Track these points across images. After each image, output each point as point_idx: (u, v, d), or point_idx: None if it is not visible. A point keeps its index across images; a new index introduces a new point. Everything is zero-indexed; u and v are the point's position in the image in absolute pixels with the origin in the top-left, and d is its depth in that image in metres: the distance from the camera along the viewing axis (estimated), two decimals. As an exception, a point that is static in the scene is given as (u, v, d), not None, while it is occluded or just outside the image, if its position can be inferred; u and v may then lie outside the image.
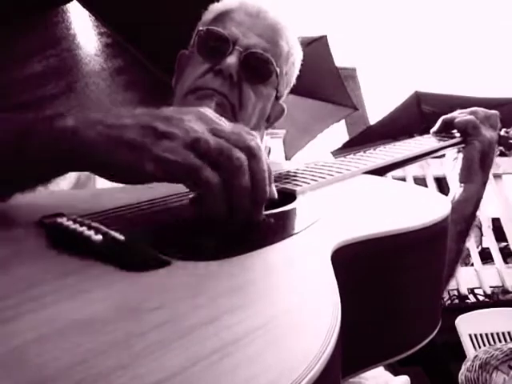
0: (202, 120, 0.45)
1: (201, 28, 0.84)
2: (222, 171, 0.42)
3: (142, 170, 0.42)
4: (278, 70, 0.83)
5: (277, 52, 0.83)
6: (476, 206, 0.90)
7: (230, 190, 0.42)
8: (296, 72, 0.92)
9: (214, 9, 0.87)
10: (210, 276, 0.36)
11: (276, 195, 0.47)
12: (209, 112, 0.47)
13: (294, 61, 0.89)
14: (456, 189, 0.91)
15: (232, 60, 0.77)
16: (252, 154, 0.44)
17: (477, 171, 0.90)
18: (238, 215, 0.44)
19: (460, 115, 0.92)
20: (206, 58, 0.81)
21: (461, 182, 0.90)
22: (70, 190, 0.68)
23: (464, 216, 0.88)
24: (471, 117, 0.90)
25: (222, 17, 0.84)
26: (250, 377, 0.24)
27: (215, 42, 0.81)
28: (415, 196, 0.56)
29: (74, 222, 0.43)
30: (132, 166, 0.42)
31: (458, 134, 0.90)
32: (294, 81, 0.93)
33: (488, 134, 0.90)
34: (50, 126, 0.44)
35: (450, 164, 0.94)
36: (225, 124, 0.46)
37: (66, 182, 0.67)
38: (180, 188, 0.46)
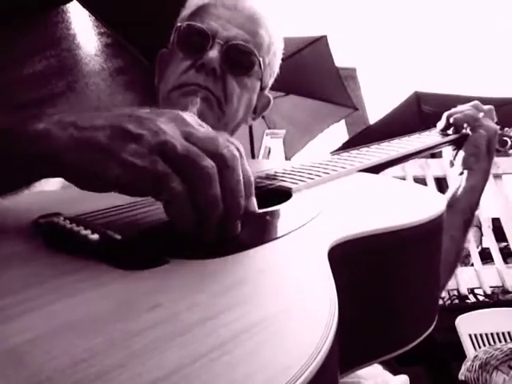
0: (176, 122, 0.42)
1: (179, 24, 0.83)
2: (188, 179, 0.39)
3: (106, 174, 0.39)
4: (260, 60, 0.82)
5: (258, 42, 0.82)
6: (480, 195, 0.91)
7: (196, 202, 0.39)
8: (278, 61, 0.91)
9: (192, 4, 0.86)
10: (207, 274, 0.36)
11: (256, 210, 0.43)
12: (188, 115, 0.44)
13: (275, 50, 0.88)
14: (460, 177, 0.91)
15: (213, 54, 0.77)
16: (224, 162, 0.40)
17: (483, 158, 0.91)
18: (208, 228, 0.40)
19: (460, 109, 0.93)
20: (187, 54, 0.81)
21: (467, 168, 0.91)
22: (64, 189, 0.68)
23: (470, 205, 0.89)
24: (469, 111, 0.91)
25: (200, 11, 0.83)
26: (249, 374, 0.24)
27: (195, 36, 0.80)
28: (410, 193, 0.56)
29: (71, 221, 0.42)
30: (97, 170, 0.39)
31: (450, 132, 0.92)
32: (277, 70, 0.92)
33: (491, 123, 0.92)
34: (23, 129, 0.42)
35: (451, 155, 0.95)
36: (202, 129, 0.43)
37: (49, 186, 0.66)
38: None
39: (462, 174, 0.92)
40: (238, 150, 0.43)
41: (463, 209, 0.88)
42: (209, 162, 0.39)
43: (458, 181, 0.92)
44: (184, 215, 0.39)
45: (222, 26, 0.79)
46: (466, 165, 0.91)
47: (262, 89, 0.88)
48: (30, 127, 0.41)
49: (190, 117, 0.44)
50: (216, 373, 0.24)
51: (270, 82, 0.91)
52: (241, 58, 0.81)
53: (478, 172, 0.90)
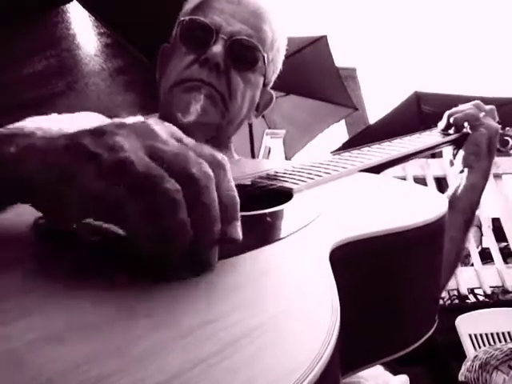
0: (140, 134, 0.36)
1: (182, 18, 0.82)
2: (147, 203, 0.33)
3: (63, 201, 0.35)
4: (264, 55, 0.82)
5: (261, 38, 0.81)
6: (481, 194, 0.91)
7: (159, 229, 0.33)
8: (282, 57, 0.91)
9: None
10: (208, 276, 0.35)
11: (240, 236, 0.36)
12: (162, 127, 0.38)
13: (279, 46, 0.87)
14: (460, 176, 0.91)
15: (217, 49, 0.76)
16: (193, 183, 0.33)
17: (484, 156, 0.90)
18: (174, 256, 0.34)
19: (461, 108, 0.93)
20: (190, 49, 0.79)
21: (468, 167, 0.90)
22: None
23: (471, 204, 0.89)
24: (470, 110, 0.91)
25: (203, 6, 0.82)
26: (250, 379, 0.24)
27: (198, 31, 0.79)
28: (412, 194, 0.56)
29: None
30: (53, 195, 0.35)
31: (451, 132, 0.91)
32: (280, 67, 0.91)
33: (493, 122, 0.92)
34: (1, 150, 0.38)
35: (452, 153, 0.95)
36: (178, 142, 0.36)
37: None
38: None
39: (462, 172, 0.91)
40: (219, 165, 0.36)
41: (464, 208, 0.88)
42: (172, 184, 0.33)
43: (458, 180, 0.91)
44: (148, 246, 0.34)
45: (226, 21, 0.78)
46: (466, 163, 0.91)
47: (264, 85, 0.87)
48: (3, 151, 0.37)
49: (164, 127, 0.38)
50: (216, 378, 0.24)
51: (273, 78, 0.91)
52: (245, 53, 0.80)
53: (479, 170, 0.90)
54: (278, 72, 0.92)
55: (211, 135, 0.80)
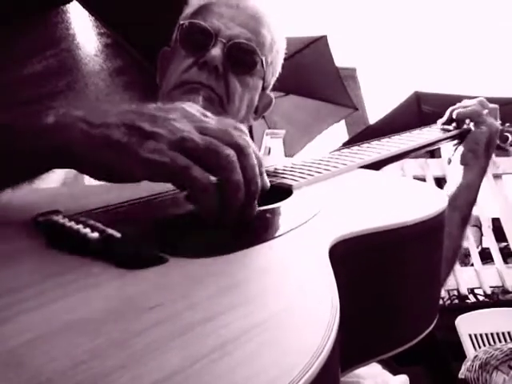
0: (188, 118, 0.44)
1: (182, 22, 0.83)
2: (213, 169, 0.42)
3: (129, 171, 0.42)
4: (263, 58, 0.82)
5: (260, 41, 0.82)
6: (477, 192, 0.91)
7: (223, 187, 0.42)
8: (281, 60, 0.91)
9: (194, 2, 0.86)
10: (207, 273, 0.35)
11: (268, 185, 0.47)
12: (194, 108, 0.46)
13: (278, 49, 0.88)
14: (456, 174, 0.91)
15: (216, 52, 0.77)
16: (240, 149, 0.43)
17: (482, 155, 0.91)
18: (232, 211, 0.43)
19: (466, 103, 0.94)
20: (190, 52, 0.80)
21: (464, 164, 0.91)
22: (62, 187, 0.68)
23: (468, 202, 0.89)
24: (474, 106, 0.92)
25: (202, 10, 0.83)
26: (250, 375, 0.24)
27: (197, 35, 0.80)
28: (411, 190, 0.56)
29: (70, 219, 0.42)
30: (119, 167, 0.41)
31: (451, 128, 0.91)
32: (279, 70, 0.92)
33: (494, 121, 0.92)
34: (30, 123, 0.43)
35: (451, 149, 0.95)
36: (211, 119, 0.45)
37: (50, 181, 0.65)
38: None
39: (459, 170, 0.91)
40: (245, 133, 0.46)
41: (461, 206, 0.88)
42: (230, 151, 0.42)
43: (454, 178, 0.92)
44: (212, 202, 0.42)
45: (225, 25, 0.79)
46: (463, 160, 0.91)
47: (263, 88, 0.88)
48: (37, 121, 0.42)
49: (194, 108, 0.46)
50: (217, 374, 0.24)
51: (272, 81, 0.91)
52: (243, 57, 0.80)
53: (475, 168, 0.91)
54: (277, 75, 0.92)
55: None
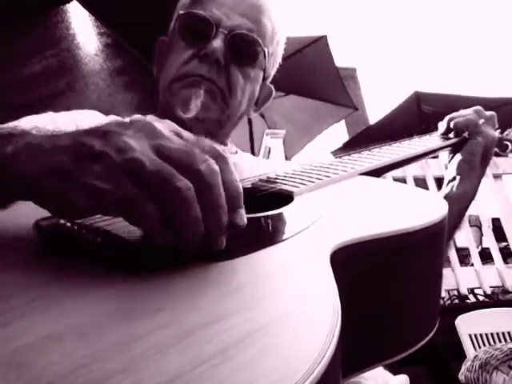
0: (146, 134, 0.37)
1: (181, 12, 0.80)
2: (161, 202, 0.34)
3: (69, 200, 0.35)
4: (265, 50, 0.80)
5: (262, 31, 0.80)
6: (470, 202, 0.90)
7: (173, 225, 0.35)
8: (281, 51, 0.89)
9: None
10: (209, 278, 0.35)
11: (245, 222, 0.39)
12: (164, 125, 0.39)
13: (279, 40, 0.86)
14: (451, 182, 0.91)
15: (217, 43, 0.75)
16: (202, 180, 0.35)
17: (477, 166, 0.89)
18: (187, 250, 0.36)
19: (463, 113, 0.92)
20: (189, 43, 0.78)
21: (459, 175, 0.89)
22: None
23: (459, 211, 0.88)
24: (471, 116, 0.90)
25: None
26: (251, 380, 0.24)
27: (197, 25, 0.77)
28: (412, 197, 0.56)
29: (73, 223, 0.42)
30: (58, 196, 0.36)
31: (451, 136, 0.91)
32: (279, 60, 0.90)
33: (491, 131, 0.91)
34: None
35: (447, 158, 0.94)
36: (180, 139, 0.38)
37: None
38: None
39: (453, 179, 0.90)
40: (220, 158, 0.38)
41: (452, 215, 0.86)
42: (183, 183, 0.34)
43: (448, 188, 0.90)
44: (163, 239, 0.36)
45: (226, 15, 0.77)
46: (458, 171, 0.90)
47: (264, 79, 0.86)
48: (1, 150, 0.38)
49: (166, 125, 0.39)
50: (218, 379, 0.24)
51: (273, 72, 0.89)
52: (245, 48, 0.78)
53: (470, 180, 0.89)
54: (277, 66, 0.90)
55: (211, 130, 0.79)
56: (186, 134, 0.39)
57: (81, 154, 0.35)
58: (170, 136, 0.37)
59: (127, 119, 0.40)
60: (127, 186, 0.34)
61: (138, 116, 0.42)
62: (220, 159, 0.38)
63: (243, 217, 0.39)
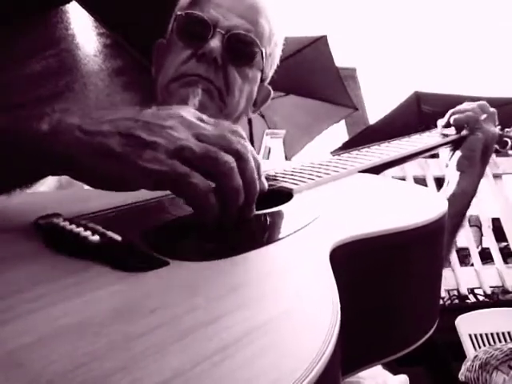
0: (184, 125, 0.44)
1: (179, 13, 0.81)
2: (212, 176, 0.42)
3: (128, 181, 0.42)
4: (262, 50, 0.81)
5: (259, 32, 0.80)
6: (471, 199, 0.90)
7: (223, 194, 0.42)
8: (279, 53, 0.90)
9: None
10: (208, 276, 0.35)
11: (266, 187, 0.47)
12: (190, 113, 0.46)
13: (276, 41, 0.86)
14: (452, 180, 0.91)
15: (215, 43, 0.75)
16: (239, 154, 0.43)
17: (477, 162, 0.90)
18: (232, 215, 0.43)
19: (463, 108, 0.92)
20: (187, 44, 0.79)
21: (459, 171, 0.90)
22: (63, 190, 0.67)
23: (461, 209, 0.88)
24: (471, 112, 0.90)
25: (199, 0, 0.80)
26: (251, 378, 0.24)
27: (195, 26, 0.78)
28: (412, 194, 0.56)
29: (71, 222, 0.42)
30: (117, 177, 0.42)
31: (452, 132, 0.91)
32: (278, 62, 0.90)
33: (491, 128, 0.91)
34: (25, 129, 0.43)
35: (448, 155, 0.94)
36: (208, 125, 0.45)
37: (44, 187, 0.65)
38: None
39: (454, 177, 0.90)
40: (243, 136, 0.46)
41: (453, 213, 0.86)
42: (228, 157, 0.42)
43: (449, 184, 0.91)
44: (212, 209, 0.42)
45: (223, 15, 0.77)
46: (459, 167, 0.90)
47: (262, 80, 0.86)
48: (32, 128, 0.42)
49: (190, 113, 0.45)
50: (217, 377, 0.24)
51: (271, 73, 0.90)
52: (242, 48, 0.79)
53: (470, 176, 0.89)
54: (275, 67, 0.90)
55: None
56: (206, 117, 0.46)
57: (129, 142, 0.41)
58: (201, 125, 0.44)
59: (161, 111, 0.46)
60: (180, 166, 0.41)
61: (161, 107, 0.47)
62: (241, 137, 0.45)
63: (265, 183, 0.48)
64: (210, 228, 0.43)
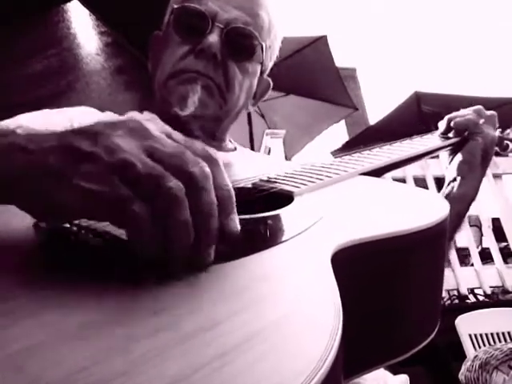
0: (136, 135, 0.36)
1: (175, 6, 0.78)
2: (152, 203, 0.34)
3: (61, 201, 0.34)
4: (262, 44, 0.79)
5: (258, 25, 0.78)
6: (470, 203, 0.90)
7: (163, 227, 0.34)
8: (279, 43, 0.88)
9: None
10: (209, 280, 0.35)
11: (237, 230, 0.38)
12: (154, 125, 0.38)
13: (276, 32, 0.84)
14: (452, 184, 0.90)
15: (213, 38, 0.73)
16: (193, 182, 0.35)
17: (477, 167, 0.89)
18: (177, 255, 0.35)
19: (462, 113, 0.92)
20: (185, 38, 0.76)
21: (459, 176, 0.89)
22: None
23: (459, 212, 0.88)
24: (471, 116, 0.90)
25: None
26: (252, 383, 0.24)
27: (192, 19, 0.75)
28: (414, 197, 0.56)
29: (73, 224, 0.42)
30: (50, 198, 0.34)
31: (451, 135, 0.91)
32: (277, 53, 0.89)
33: (491, 132, 0.90)
34: None
35: (448, 158, 0.94)
36: (170, 140, 0.37)
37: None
38: None
39: (454, 180, 0.90)
40: (212, 162, 0.37)
41: (452, 216, 0.86)
42: (175, 183, 0.34)
43: (448, 188, 0.90)
44: (149, 244, 0.34)
45: (221, 8, 0.75)
46: (459, 172, 0.89)
47: (261, 72, 0.85)
48: None
49: (156, 125, 0.38)
50: (218, 383, 0.24)
51: (270, 65, 0.88)
52: (242, 43, 0.77)
53: (470, 181, 0.89)
54: (274, 58, 0.89)
55: (208, 127, 0.78)
56: (176, 135, 0.38)
57: (68, 155, 0.35)
58: (160, 137, 0.37)
59: (120, 118, 0.40)
60: (118, 186, 0.33)
61: (130, 115, 0.42)
62: (211, 162, 0.37)
63: (236, 223, 0.38)
64: (156, 263, 0.36)
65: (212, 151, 0.38)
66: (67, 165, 0.34)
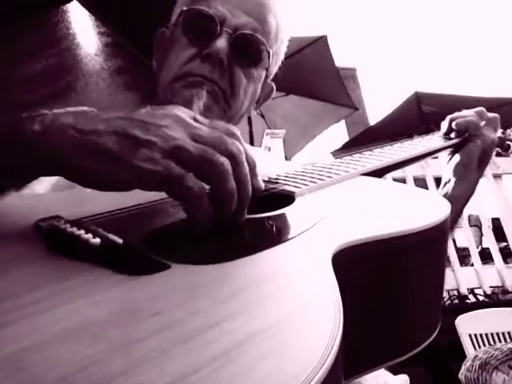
0: (180, 125, 0.43)
1: (185, 8, 0.78)
2: (206, 178, 0.42)
3: (121, 180, 0.41)
4: (270, 51, 0.79)
5: (266, 30, 0.78)
6: (465, 204, 0.90)
7: (217, 197, 0.42)
8: (284, 49, 0.88)
9: None
10: (210, 280, 0.35)
11: (262, 187, 0.47)
12: (185, 113, 0.45)
13: (283, 37, 0.84)
14: (447, 185, 0.90)
15: (221, 43, 0.73)
16: (233, 157, 0.43)
17: (474, 169, 0.89)
18: (225, 219, 0.43)
19: (463, 113, 0.91)
20: (192, 41, 0.76)
21: (455, 177, 0.89)
22: (64, 192, 0.67)
23: (455, 213, 0.87)
24: (472, 117, 0.89)
25: None
26: (254, 383, 0.24)
27: (201, 22, 0.75)
28: (415, 198, 0.56)
29: (71, 225, 0.42)
30: (110, 176, 0.41)
31: (453, 136, 0.91)
32: (282, 58, 0.88)
33: (491, 134, 0.90)
34: (17, 130, 0.42)
35: (446, 159, 0.93)
36: (203, 125, 0.45)
37: (41, 187, 0.64)
38: None
39: (449, 181, 0.90)
40: (234, 136, 0.45)
41: None
42: (224, 160, 0.42)
43: (444, 189, 0.90)
44: (205, 212, 0.41)
45: (231, 12, 0.75)
46: (454, 173, 0.89)
47: (266, 77, 0.84)
48: (26, 127, 0.42)
49: (185, 113, 0.45)
50: (219, 383, 0.24)
51: (275, 70, 0.88)
52: (249, 49, 0.77)
53: (465, 183, 0.89)
54: (279, 63, 0.88)
55: None
56: (200, 117, 0.46)
57: (125, 141, 0.41)
58: (197, 125, 0.44)
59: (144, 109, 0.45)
60: (174, 167, 0.40)
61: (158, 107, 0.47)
62: (234, 137, 0.45)
63: (260, 182, 0.47)
64: (203, 232, 0.43)
65: (231, 127, 0.46)
66: (125, 149, 0.41)
